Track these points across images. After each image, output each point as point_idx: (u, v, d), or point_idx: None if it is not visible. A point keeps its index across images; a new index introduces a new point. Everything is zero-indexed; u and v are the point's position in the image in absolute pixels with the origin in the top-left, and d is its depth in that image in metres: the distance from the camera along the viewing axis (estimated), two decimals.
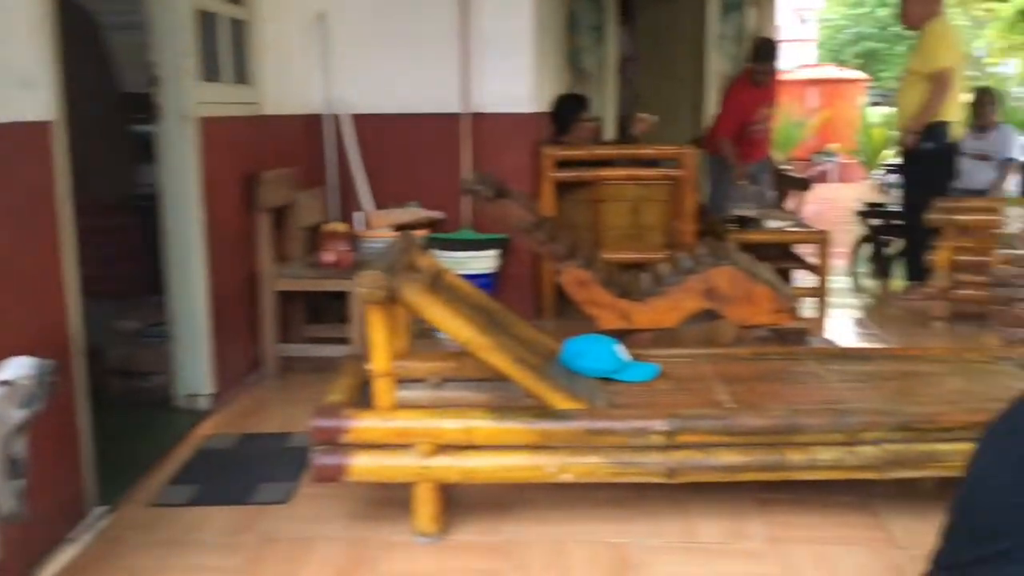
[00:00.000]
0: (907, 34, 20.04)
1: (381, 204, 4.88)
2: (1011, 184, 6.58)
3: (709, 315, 3.61)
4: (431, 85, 4.86)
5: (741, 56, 8.93)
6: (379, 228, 4.66)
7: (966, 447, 2.25)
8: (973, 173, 6.27)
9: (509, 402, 2.81)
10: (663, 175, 5.04)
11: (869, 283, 6.39)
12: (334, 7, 4.81)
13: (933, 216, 4.84)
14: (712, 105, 8.75)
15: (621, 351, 2.90)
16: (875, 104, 18.09)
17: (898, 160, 6.44)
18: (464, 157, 4.86)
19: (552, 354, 2.91)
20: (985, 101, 6.38)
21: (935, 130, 5.29)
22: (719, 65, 8.77)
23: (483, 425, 2.47)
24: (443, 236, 4.78)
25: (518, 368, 2.54)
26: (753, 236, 5.41)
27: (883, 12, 24.70)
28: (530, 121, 4.93)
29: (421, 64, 4.86)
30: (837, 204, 11.44)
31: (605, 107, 8.05)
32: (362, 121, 4.86)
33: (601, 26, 7.92)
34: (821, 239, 5.36)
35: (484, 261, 4.67)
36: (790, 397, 2.69)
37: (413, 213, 4.78)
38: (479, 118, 4.86)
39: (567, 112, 5.37)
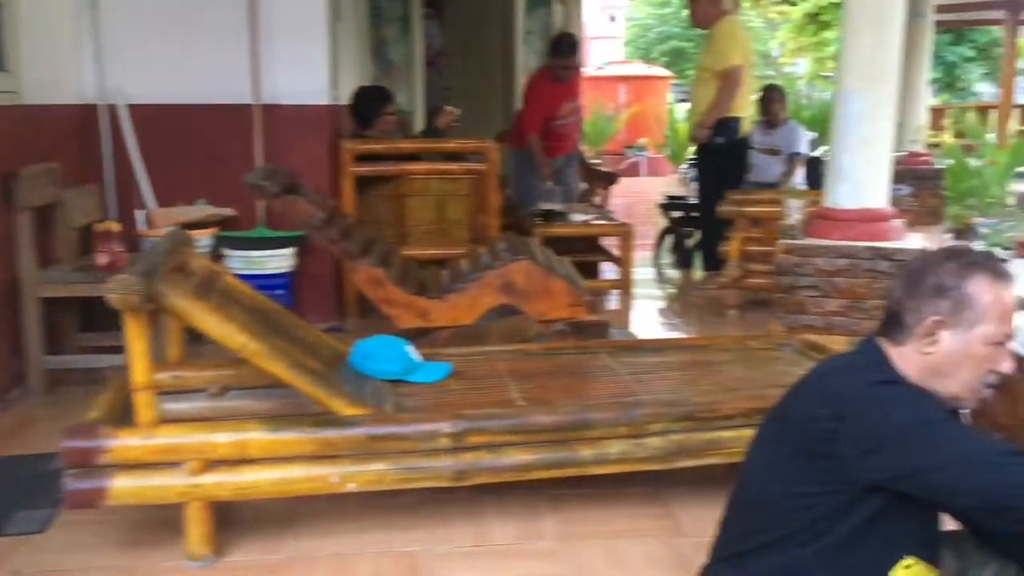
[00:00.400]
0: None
1: (166, 201, 4.55)
2: (798, 177, 6.95)
3: (510, 311, 3.57)
4: (219, 74, 4.58)
5: (545, 52, 9.06)
6: (162, 227, 4.35)
7: (747, 434, 2.30)
8: (763, 167, 6.57)
9: (296, 410, 2.66)
10: (467, 169, 4.98)
11: (671, 273, 6.59)
12: None
13: (725, 208, 5.02)
14: (520, 99, 8.82)
15: (412, 351, 2.80)
16: (681, 101, 18.91)
17: (694, 154, 6.68)
18: (256, 151, 4.62)
19: (340, 357, 2.76)
20: (774, 98, 6.70)
21: (726, 125, 5.50)
22: (526, 60, 8.84)
23: (257, 437, 2.30)
24: (234, 234, 4.52)
25: (295, 374, 2.39)
26: (558, 230, 5.46)
27: (688, 12, 25.87)
28: (327, 113, 4.74)
29: (207, 51, 4.57)
30: (645, 197, 11.80)
31: (413, 101, 7.94)
32: (142, 112, 4.52)
33: (407, 18, 7.80)
34: (624, 232, 5.46)
35: (279, 260, 4.45)
36: (581, 392, 2.67)
37: (200, 211, 4.49)
38: (272, 110, 4.63)
39: (369, 105, 5.21)
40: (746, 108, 5.66)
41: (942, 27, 11.66)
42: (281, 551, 2.43)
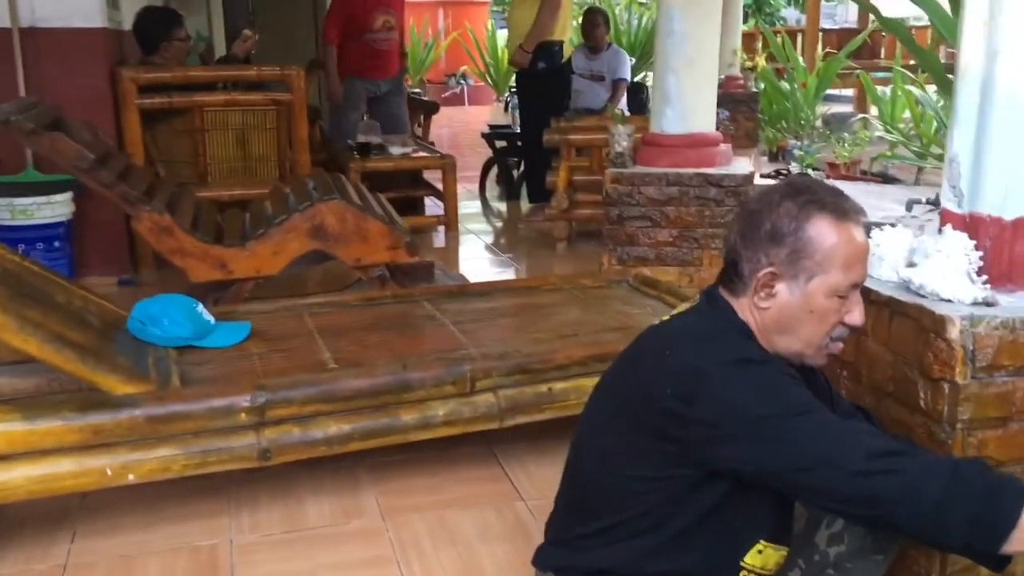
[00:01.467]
0: None
1: None
2: (622, 104, 6.84)
3: (322, 258, 3.23)
4: None
5: None
6: None
7: (586, 384, 2.09)
8: (587, 93, 6.40)
9: (64, 389, 2.24)
10: (270, 100, 4.51)
11: (498, 206, 6.37)
12: None
13: (549, 138, 4.80)
14: None
15: (203, 311, 2.42)
16: (502, 28, 18.56)
17: (515, 82, 6.44)
18: (19, 83, 3.98)
19: (117, 324, 2.35)
20: (597, 22, 6.49)
21: (547, 50, 5.26)
22: None
23: (9, 429, 1.89)
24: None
25: (53, 349, 1.98)
26: (375, 164, 5.10)
27: None
28: (103, 38, 4.14)
29: None
30: (469, 127, 11.51)
31: (212, 25, 7.26)
32: None
33: None
34: (447, 165, 5.16)
35: (53, 208, 3.89)
36: (401, 348, 2.39)
37: None
38: (33, 34, 4.00)
39: (154, 29, 4.60)
40: (567, 32, 5.43)
41: None
42: (50, 558, 2.05)
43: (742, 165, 3.96)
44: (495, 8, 19.72)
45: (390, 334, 2.50)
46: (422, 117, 6.80)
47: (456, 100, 14.53)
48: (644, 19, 14.85)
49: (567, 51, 5.42)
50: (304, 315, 2.62)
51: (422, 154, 5.41)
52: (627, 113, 6.83)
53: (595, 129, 4.90)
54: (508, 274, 4.47)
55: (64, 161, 2.86)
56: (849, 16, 17.74)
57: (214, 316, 2.48)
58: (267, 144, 4.61)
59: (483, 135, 6.73)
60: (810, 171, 7.48)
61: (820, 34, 11.93)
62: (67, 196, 3.95)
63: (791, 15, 19.19)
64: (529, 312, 2.70)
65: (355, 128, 5.58)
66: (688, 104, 3.80)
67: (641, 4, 16.37)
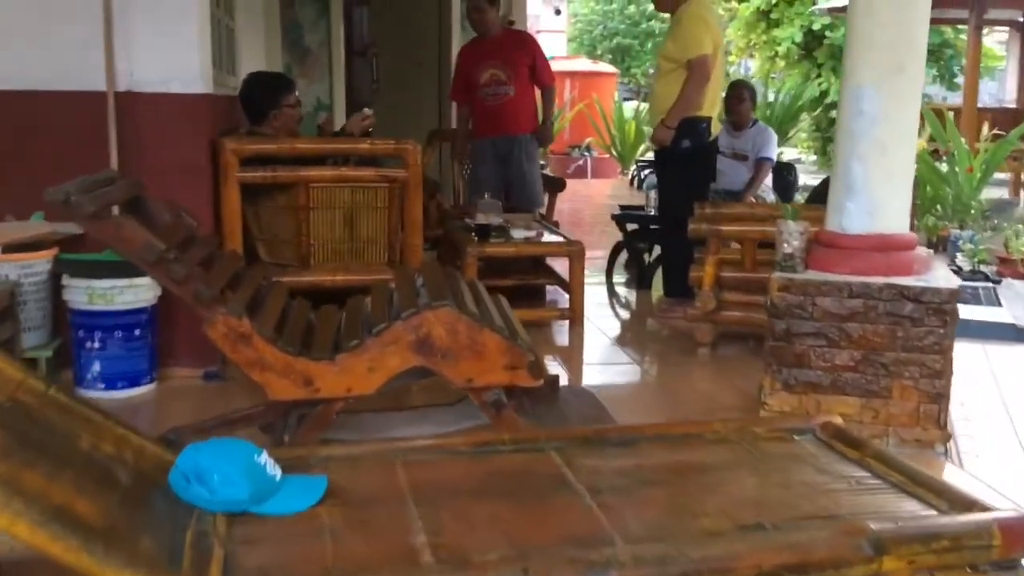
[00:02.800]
0: (658, 30, 20.33)
1: None
2: (765, 184, 6.16)
3: (424, 373, 2.66)
4: (61, 51, 3.60)
5: None
6: None
7: None
8: (727, 173, 5.76)
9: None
10: (382, 176, 4.04)
11: (627, 293, 5.75)
12: None
13: (695, 227, 4.16)
14: None
15: (266, 462, 1.86)
16: (628, 99, 18.11)
17: (653, 159, 5.86)
18: (111, 151, 3.63)
19: (157, 476, 1.82)
20: (742, 96, 5.89)
21: (693, 126, 4.65)
22: None
23: None
24: (79, 257, 3.53)
25: (49, 533, 1.44)
26: (495, 249, 4.56)
27: (632, 9, 25.15)
28: (203, 105, 3.76)
29: (46, 21, 3.57)
30: (592, 201, 11.00)
31: (334, 94, 6.96)
32: None
33: None
34: (573, 252, 4.58)
35: (135, 292, 3.48)
36: (520, 531, 1.76)
37: (36, 227, 3.49)
38: (130, 99, 3.65)
39: (262, 96, 4.24)
40: (716, 107, 4.82)
41: None
42: None
43: (942, 274, 3.23)
44: (622, 80, 19.38)
45: (506, 505, 1.88)
46: (547, 194, 6.26)
47: (580, 172, 14.06)
48: (781, 93, 14.15)
49: (714, 128, 4.79)
50: (396, 465, 2.03)
51: (548, 239, 4.85)
52: (772, 194, 6.16)
53: (748, 219, 4.25)
54: (640, 384, 3.81)
55: (129, 252, 2.40)
56: (1006, 95, 16.54)
57: (282, 461, 1.92)
58: (377, 225, 4.13)
59: (613, 217, 6.13)
60: (981, 266, 6.60)
61: (980, 113, 11.00)
62: (151, 280, 3.53)
63: (935, 92, 18.12)
64: (689, 477, 2.04)
65: (484, 185, 5.26)
66: (877, 197, 3.12)
67: (775, 79, 15.69)
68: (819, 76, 14.63)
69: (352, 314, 2.84)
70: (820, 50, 14.68)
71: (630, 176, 13.45)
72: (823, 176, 8.14)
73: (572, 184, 11.87)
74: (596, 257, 6.08)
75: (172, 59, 3.64)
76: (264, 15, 6.18)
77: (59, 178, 3.61)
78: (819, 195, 5.09)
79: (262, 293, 2.80)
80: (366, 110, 4.78)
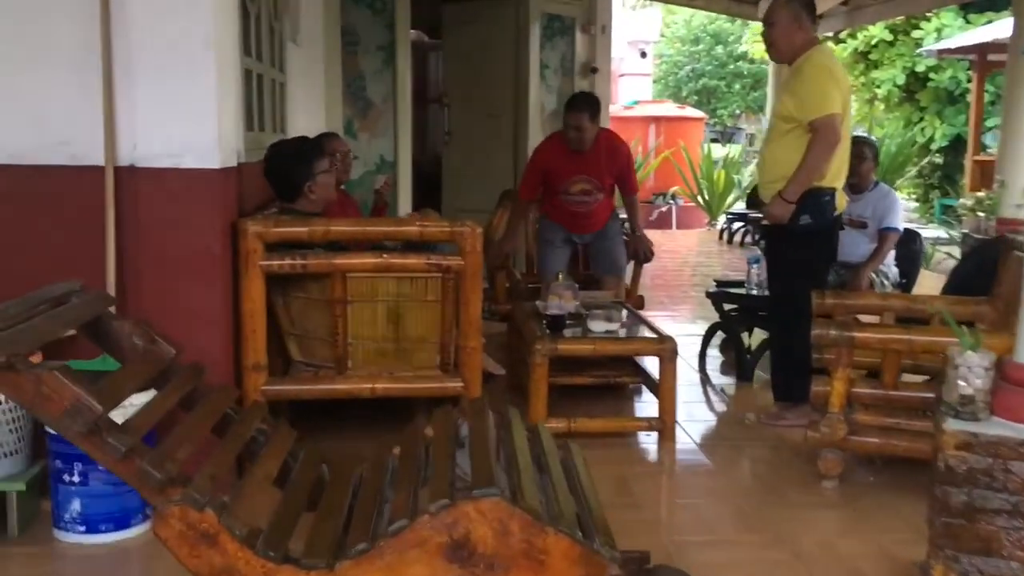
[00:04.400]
0: (747, 71, 19.39)
1: None
2: (889, 258, 5.28)
3: None
4: (54, 120, 3.00)
5: (568, 89, 7.47)
6: None
7: None
8: (845, 242, 4.89)
9: None
10: (434, 265, 3.33)
11: (722, 381, 4.92)
12: None
13: (820, 332, 3.31)
14: (532, 145, 7.23)
15: None
16: (714, 140, 17.17)
17: (762, 232, 5.05)
18: (108, 239, 3.01)
19: None
20: (863, 154, 5.04)
21: (815, 200, 3.83)
22: (541, 100, 7.25)
23: None
24: (69, 366, 2.89)
25: None
26: (569, 347, 3.81)
27: (720, 50, 24.32)
28: (223, 181, 3.12)
29: (38, 85, 2.99)
30: (679, 258, 10.16)
31: (399, 150, 6.34)
32: None
33: (392, 46, 6.21)
34: (664, 351, 3.79)
35: (127, 414, 2.80)
36: None
37: None
38: (133, 175, 3.03)
39: (289, 170, 3.59)
40: (842, 177, 3.99)
41: None
42: None
43: None
44: (708, 122, 18.50)
45: None
46: (632, 264, 5.45)
47: (663, 221, 13.23)
48: (884, 139, 13.14)
49: (840, 203, 3.96)
50: None
51: (633, 332, 4.07)
52: (895, 268, 5.27)
53: (885, 325, 3.43)
54: (756, 542, 2.96)
55: (52, 419, 1.72)
56: None
57: None
58: (426, 322, 3.43)
59: (709, 295, 5.32)
60: None
61: None
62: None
63: None
64: None
65: (554, 263, 4.85)
66: None
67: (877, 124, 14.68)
68: (921, 120, 13.61)
69: (372, 479, 2.12)
70: (923, 93, 13.66)
71: (719, 229, 12.56)
72: (934, 231, 7.17)
73: (655, 235, 11.07)
74: (673, 314, 5.32)
75: (183, 128, 3.01)
76: (324, 66, 5.62)
77: (48, 269, 3.05)
78: (966, 279, 4.21)
79: (252, 447, 2.09)
80: (381, 176, 4.20)
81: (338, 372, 3.40)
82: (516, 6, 7.08)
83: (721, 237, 12.00)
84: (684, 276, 8.69)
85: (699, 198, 13.57)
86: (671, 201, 13.62)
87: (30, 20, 2.95)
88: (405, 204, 6.30)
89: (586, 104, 4.84)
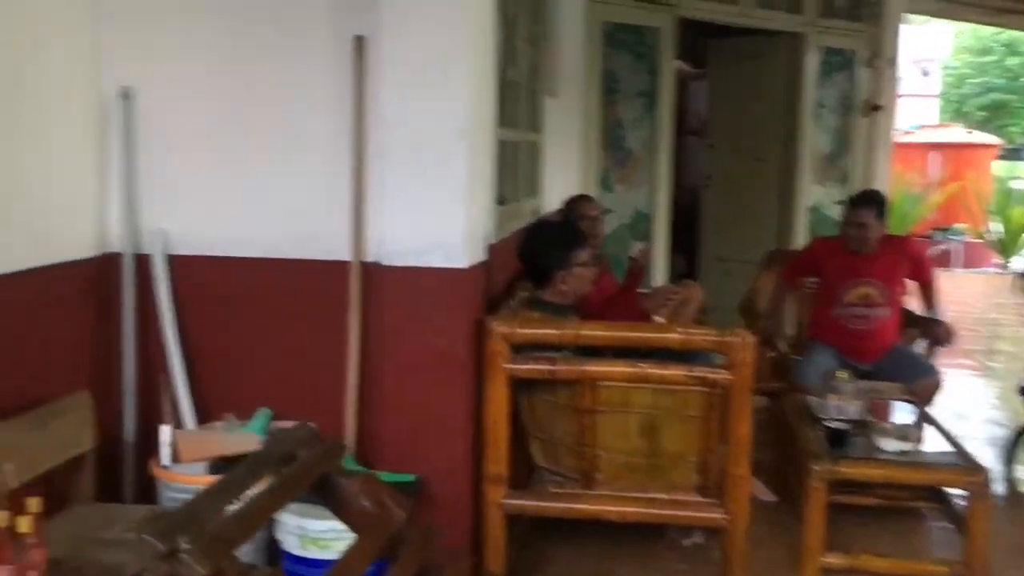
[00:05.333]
0: None
1: (209, 413, 2.90)
2: None
3: None
4: (304, 212, 2.89)
5: (846, 129, 6.74)
6: (191, 460, 2.69)
7: None
8: None
9: None
10: (696, 378, 2.91)
11: None
12: (143, 80, 2.87)
13: None
14: (806, 195, 6.58)
15: None
16: (1001, 157, 15.27)
17: None
18: (351, 335, 2.85)
19: None
20: None
21: None
22: (815, 144, 6.58)
23: None
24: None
25: None
26: (852, 471, 3.23)
27: (1014, 61, 21.95)
28: (469, 281, 2.88)
29: (289, 178, 2.89)
30: (965, 308, 8.98)
31: (654, 199, 5.95)
32: (183, 267, 2.91)
33: (653, 92, 5.83)
34: (975, 485, 3.13)
35: None
36: None
37: (245, 440, 2.75)
38: (376, 272, 2.85)
39: (548, 254, 3.30)
40: None
41: None
42: None
43: None
44: (1010, 146, 16.59)
45: None
46: (926, 341, 4.63)
47: (943, 260, 11.91)
48: None
49: None
50: None
51: (933, 455, 3.41)
52: None
53: None
54: None
55: None
56: None
57: None
58: (685, 438, 3.01)
59: (1021, 389, 4.50)
60: None
61: None
62: None
63: None
64: None
65: (817, 378, 3.81)
66: None
67: None
68: None
69: None
70: None
71: (1012, 275, 11.09)
72: None
73: (937, 274, 9.94)
74: (981, 422, 4.51)
75: (431, 224, 2.79)
76: (583, 117, 5.36)
77: (288, 368, 2.95)
78: None
79: None
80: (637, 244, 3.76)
81: (584, 485, 3.06)
82: (790, 40, 6.46)
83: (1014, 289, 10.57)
84: (976, 336, 7.63)
85: (988, 235, 12.11)
86: (954, 238, 12.26)
87: (287, 113, 2.85)
88: (661, 265, 5.88)
89: (872, 201, 4.17)
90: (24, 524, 1.97)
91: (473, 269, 2.87)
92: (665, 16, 5.75)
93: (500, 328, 2.90)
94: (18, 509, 1.98)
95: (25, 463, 2.40)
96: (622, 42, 5.66)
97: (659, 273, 5.82)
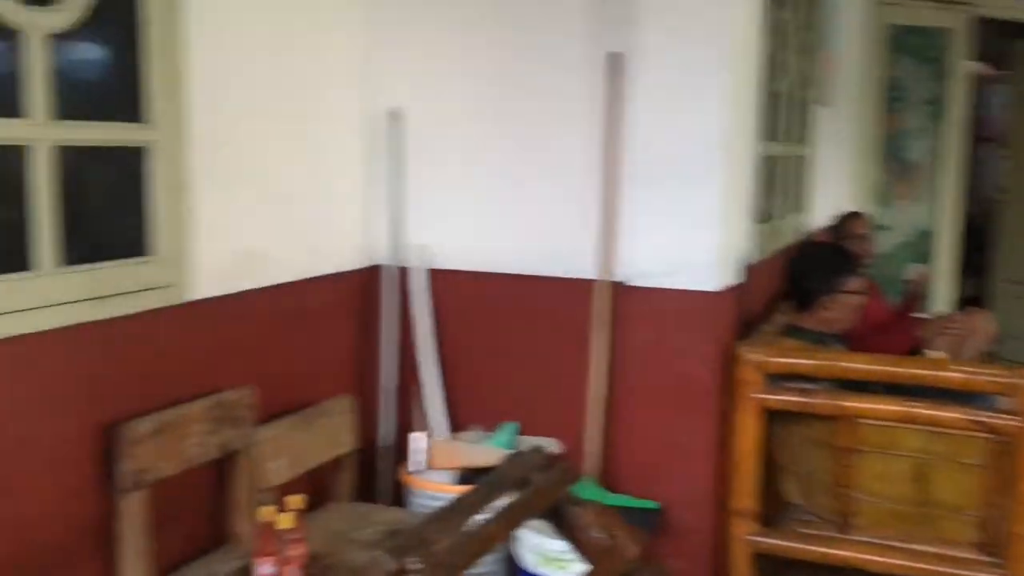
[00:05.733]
0: None
1: (456, 423, 2.98)
2: None
3: None
4: (552, 231, 2.90)
5: None
6: (442, 468, 2.79)
7: None
8: None
9: None
10: (977, 423, 2.60)
11: None
12: (411, 102, 3.01)
13: None
14: None
15: None
16: None
17: None
18: (594, 354, 2.82)
19: None
20: None
21: None
22: None
23: None
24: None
25: None
26: None
27: None
28: (718, 303, 2.76)
29: (538, 197, 2.91)
30: None
31: (936, 216, 5.44)
32: (441, 280, 3.02)
33: (940, 100, 5.35)
34: None
35: None
36: None
37: (490, 453, 2.80)
38: (624, 292, 2.80)
39: (816, 275, 3.10)
40: None
41: None
42: None
43: None
44: None
45: None
46: None
47: None
48: None
49: None
50: None
51: None
52: None
53: None
54: None
55: None
56: None
57: None
58: (962, 488, 2.71)
59: None
60: None
61: None
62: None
63: None
64: None
65: None
66: None
67: None
68: None
69: None
70: None
71: None
72: None
73: None
74: None
75: (681, 245, 2.71)
76: (858, 130, 5.02)
77: (533, 382, 2.97)
78: None
79: None
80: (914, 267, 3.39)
81: (840, 529, 2.83)
82: None
83: None
84: None
85: None
86: None
87: (543, 133, 2.86)
88: (943, 288, 5.36)
89: None
90: (288, 520, 2.12)
91: (724, 292, 2.74)
92: (959, 16, 5.25)
93: (752, 356, 2.75)
94: (283, 505, 2.13)
95: (293, 460, 2.59)
96: (908, 45, 5.24)
97: (941, 298, 5.32)
